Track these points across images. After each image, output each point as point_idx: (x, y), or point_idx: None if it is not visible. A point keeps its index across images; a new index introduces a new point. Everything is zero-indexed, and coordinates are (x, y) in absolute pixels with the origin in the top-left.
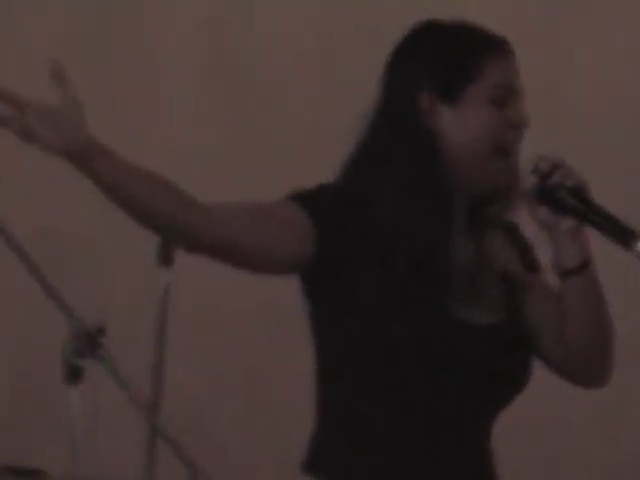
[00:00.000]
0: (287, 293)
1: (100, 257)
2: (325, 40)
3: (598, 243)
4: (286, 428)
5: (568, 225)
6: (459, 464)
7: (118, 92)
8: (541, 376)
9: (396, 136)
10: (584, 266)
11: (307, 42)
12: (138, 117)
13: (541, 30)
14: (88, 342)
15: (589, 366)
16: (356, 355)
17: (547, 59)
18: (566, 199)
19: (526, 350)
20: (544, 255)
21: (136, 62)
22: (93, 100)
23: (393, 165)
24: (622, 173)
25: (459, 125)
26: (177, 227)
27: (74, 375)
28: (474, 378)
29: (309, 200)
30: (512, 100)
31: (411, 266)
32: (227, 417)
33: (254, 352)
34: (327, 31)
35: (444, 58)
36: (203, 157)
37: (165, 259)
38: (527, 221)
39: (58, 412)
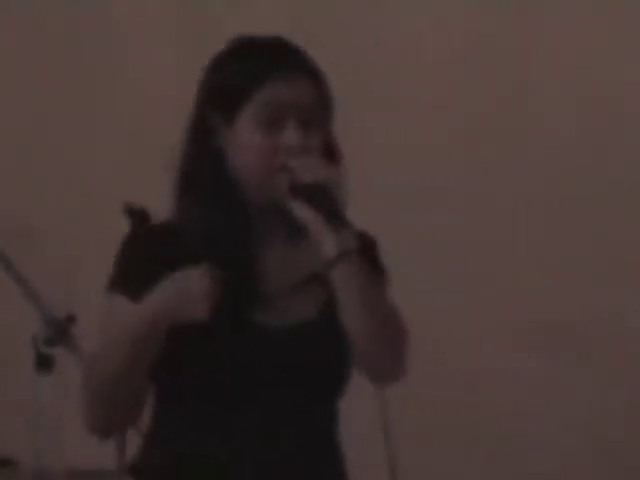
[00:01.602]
0: None
1: (68, 246)
2: None
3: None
4: None
5: (316, 219)
6: (262, 455)
7: None
8: None
9: (191, 156)
10: (341, 258)
11: None
12: None
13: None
14: (58, 331)
15: (367, 359)
16: (156, 366)
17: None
18: (307, 195)
19: (337, 345)
20: None
21: None
22: None
23: (192, 185)
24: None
25: (235, 147)
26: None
27: (44, 364)
28: (272, 375)
29: (123, 284)
30: (288, 121)
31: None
32: None
33: None
34: None
35: (224, 79)
36: None
37: None
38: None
39: (29, 401)
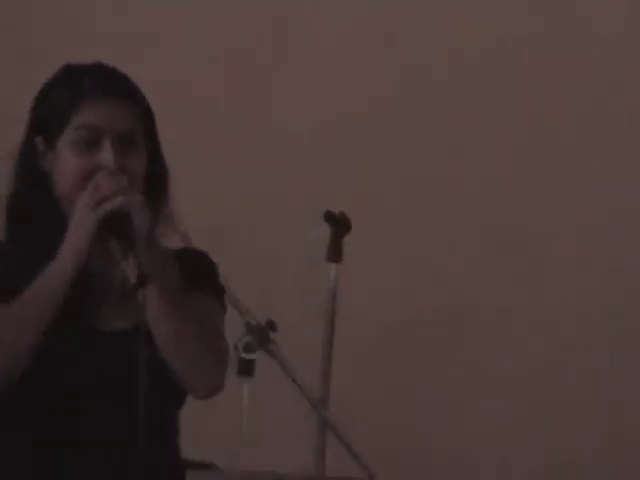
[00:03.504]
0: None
1: (269, 253)
2: None
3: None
4: (433, 429)
5: (113, 248)
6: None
7: None
8: None
9: (20, 179)
10: (139, 283)
11: None
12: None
13: None
14: (259, 336)
15: (182, 371)
16: None
17: None
18: (107, 223)
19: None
20: None
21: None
22: None
23: (19, 206)
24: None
25: (57, 170)
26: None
27: (246, 369)
28: (95, 383)
29: None
30: (103, 142)
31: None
32: (390, 411)
33: (417, 351)
34: None
35: (45, 106)
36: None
37: (334, 255)
38: None
39: (228, 405)
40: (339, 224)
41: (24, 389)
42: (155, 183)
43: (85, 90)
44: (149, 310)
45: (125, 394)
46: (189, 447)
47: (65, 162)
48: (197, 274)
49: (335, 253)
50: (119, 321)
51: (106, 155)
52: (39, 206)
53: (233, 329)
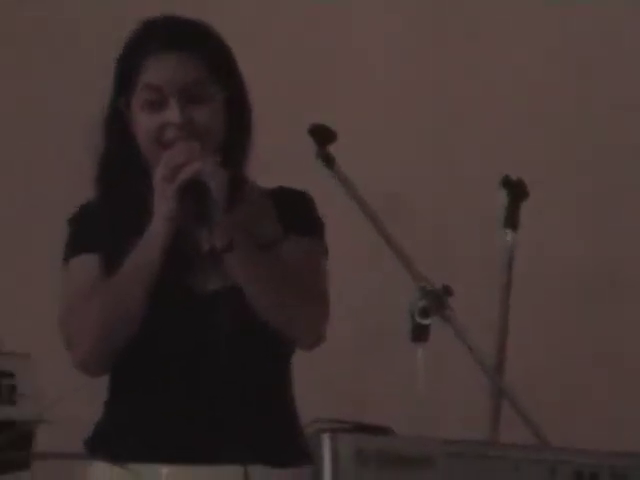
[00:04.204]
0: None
1: (444, 219)
2: None
3: None
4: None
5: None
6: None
7: None
8: None
9: (107, 140)
10: (228, 247)
11: None
12: None
13: None
14: (435, 301)
15: (279, 325)
16: None
17: None
18: (179, 191)
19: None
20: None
21: None
22: None
23: (108, 167)
24: None
25: (135, 130)
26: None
27: (421, 334)
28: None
29: (79, 247)
30: (169, 99)
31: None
32: (567, 379)
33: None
34: None
35: (119, 66)
36: None
37: (511, 222)
38: None
39: (401, 369)
40: (516, 190)
41: (130, 355)
42: (236, 128)
43: (148, 48)
44: (235, 274)
45: (222, 354)
46: (364, 410)
47: (138, 122)
48: (293, 215)
49: (512, 220)
50: (212, 281)
51: (171, 112)
52: (127, 166)
53: (407, 293)
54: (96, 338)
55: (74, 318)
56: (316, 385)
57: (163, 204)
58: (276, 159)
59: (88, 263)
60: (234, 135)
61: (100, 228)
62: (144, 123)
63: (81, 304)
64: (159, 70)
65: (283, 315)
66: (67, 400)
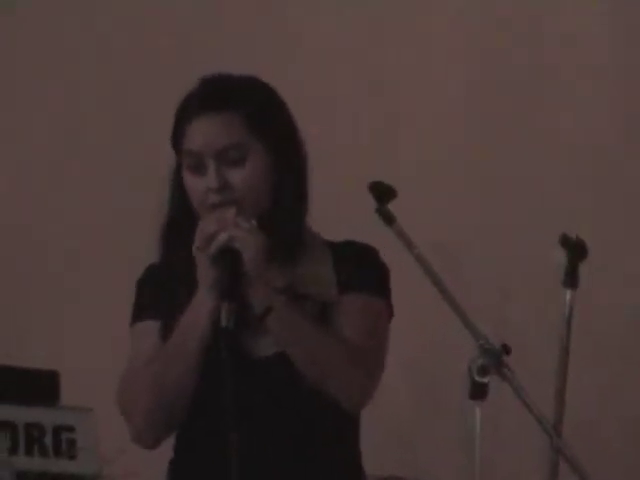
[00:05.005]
0: None
1: (502, 275)
2: None
3: None
4: None
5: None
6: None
7: None
8: None
9: (170, 199)
10: (266, 313)
11: None
12: None
13: None
14: (493, 359)
15: (323, 389)
16: None
17: None
18: (214, 258)
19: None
20: None
21: None
22: None
23: (171, 228)
24: None
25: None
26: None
27: (479, 392)
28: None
29: (143, 313)
30: (208, 163)
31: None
32: (627, 437)
33: None
34: None
35: (174, 122)
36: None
37: (570, 281)
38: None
39: (458, 426)
40: (576, 249)
41: (193, 417)
42: (286, 187)
43: (187, 113)
44: (276, 339)
45: (278, 417)
46: (420, 467)
47: (188, 186)
48: (352, 269)
49: (571, 278)
50: (262, 347)
51: (209, 177)
52: (187, 229)
53: (466, 351)
54: (147, 410)
55: (129, 388)
56: (374, 441)
57: (202, 273)
58: (333, 212)
59: (149, 329)
60: (285, 179)
61: (162, 293)
62: (192, 187)
63: (136, 374)
64: (196, 135)
65: (322, 377)
66: (127, 456)
